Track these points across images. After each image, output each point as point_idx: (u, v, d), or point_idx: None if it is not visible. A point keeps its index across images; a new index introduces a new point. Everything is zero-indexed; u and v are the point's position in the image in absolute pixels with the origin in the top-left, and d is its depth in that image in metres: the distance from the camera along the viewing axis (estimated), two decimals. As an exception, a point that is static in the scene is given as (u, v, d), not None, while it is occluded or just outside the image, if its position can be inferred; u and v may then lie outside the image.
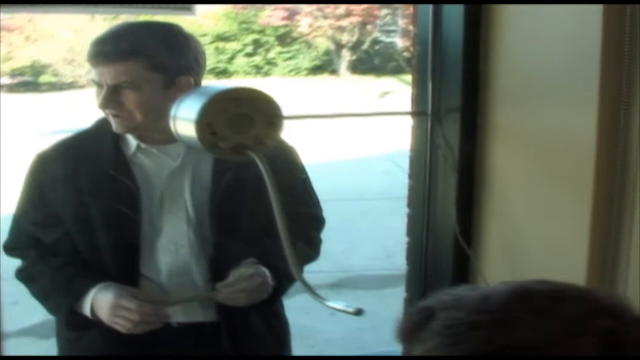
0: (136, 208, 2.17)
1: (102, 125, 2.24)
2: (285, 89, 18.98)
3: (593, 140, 1.73)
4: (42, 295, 2.30)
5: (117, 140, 2.21)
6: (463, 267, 2.06)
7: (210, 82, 2.11)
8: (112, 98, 2.07)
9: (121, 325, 2.12)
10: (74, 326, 2.24)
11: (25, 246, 2.30)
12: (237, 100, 1.72)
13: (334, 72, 23.93)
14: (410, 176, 2.15)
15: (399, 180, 6.67)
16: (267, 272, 2.20)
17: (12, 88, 21.91)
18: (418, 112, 2.02)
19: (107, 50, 2.05)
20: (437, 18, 2.05)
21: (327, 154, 12.18)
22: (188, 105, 1.75)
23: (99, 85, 2.09)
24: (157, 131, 2.11)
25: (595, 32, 1.68)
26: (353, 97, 19.28)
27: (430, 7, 2.04)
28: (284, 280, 2.26)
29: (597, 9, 1.67)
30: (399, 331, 1.00)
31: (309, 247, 2.42)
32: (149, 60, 2.05)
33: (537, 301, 0.93)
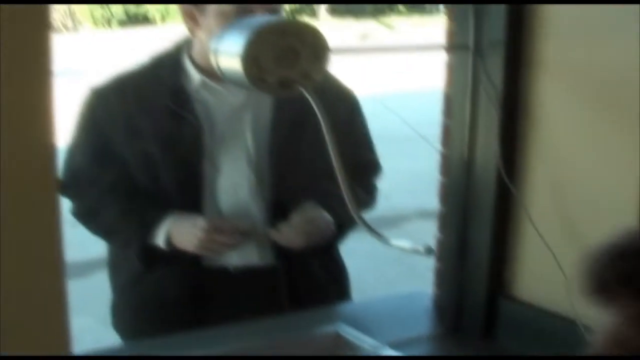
0: (198, 146, 2.11)
1: (161, 61, 2.17)
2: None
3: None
4: (108, 229, 2.23)
5: (180, 76, 2.14)
6: (506, 207, 2.01)
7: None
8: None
9: (213, 249, 2.08)
10: (146, 259, 2.19)
11: (84, 184, 2.21)
12: (282, 33, 1.65)
13: (313, 14, 23.70)
14: (446, 114, 2.08)
15: (389, 122, 6.59)
16: (329, 216, 2.15)
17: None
18: (459, 46, 1.95)
19: None
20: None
21: (365, 90, 12.09)
22: (231, 38, 1.68)
23: None
24: None
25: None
26: (333, 39, 19.10)
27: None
28: (344, 224, 2.22)
29: None
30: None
31: (366, 193, 2.38)
32: None
33: None
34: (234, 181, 2.15)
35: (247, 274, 2.22)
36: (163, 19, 22.37)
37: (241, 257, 2.20)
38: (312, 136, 2.00)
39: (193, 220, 2.10)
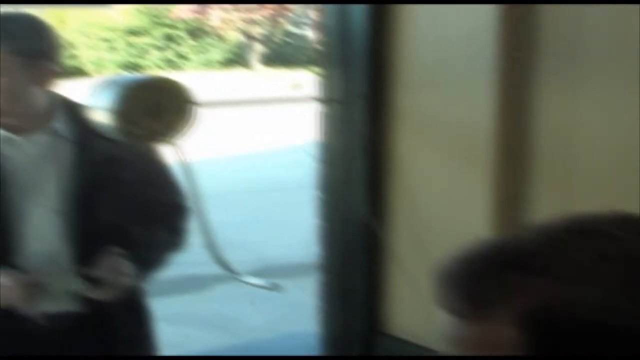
0: (3, 198, 2.18)
1: None
2: (198, 82, 18.89)
3: (492, 125, 1.85)
4: None
5: None
6: (374, 248, 2.14)
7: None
8: None
9: (14, 301, 2.14)
10: None
11: None
12: (152, 89, 1.77)
13: (246, 65, 23.90)
14: (320, 161, 2.22)
15: (314, 171, 6.75)
16: (128, 265, 2.22)
17: None
18: (327, 99, 2.09)
19: None
20: (345, 12, 2.12)
21: (242, 146, 12.20)
22: (103, 95, 1.80)
23: None
24: (20, 118, 2.12)
25: (491, 25, 1.79)
26: (266, 89, 19.32)
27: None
28: (147, 268, 2.30)
29: (493, 8, 1.78)
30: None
31: (174, 235, 2.45)
32: (9, 45, 2.06)
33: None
34: (40, 229, 2.22)
35: (57, 319, 2.29)
36: (98, 70, 22.53)
37: (52, 304, 2.27)
38: (116, 183, 2.10)
39: None
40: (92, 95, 1.84)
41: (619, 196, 1.72)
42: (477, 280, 1.00)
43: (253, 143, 12.27)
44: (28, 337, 2.25)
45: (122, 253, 2.20)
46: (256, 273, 6.67)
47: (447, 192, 2.00)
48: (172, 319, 3.61)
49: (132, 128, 1.75)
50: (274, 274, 6.82)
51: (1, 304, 2.15)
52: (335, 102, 2.06)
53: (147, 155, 2.25)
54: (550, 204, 1.84)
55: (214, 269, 2.23)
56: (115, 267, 2.18)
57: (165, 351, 2.56)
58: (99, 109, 1.80)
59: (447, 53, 1.96)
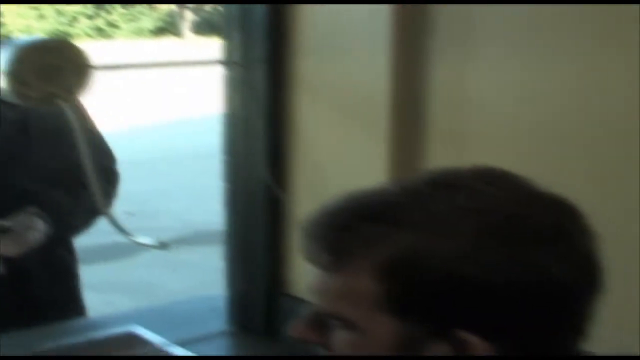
0: None
1: None
2: (128, 51, 18.69)
3: (386, 91, 1.90)
4: None
5: None
6: (275, 211, 2.18)
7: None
8: None
9: None
10: None
11: None
12: (46, 51, 1.78)
13: (177, 33, 23.71)
14: (224, 125, 2.25)
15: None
16: (40, 221, 2.25)
17: None
18: (229, 62, 2.12)
19: None
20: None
21: (163, 114, 12.15)
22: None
23: None
24: None
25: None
26: (196, 57, 19.19)
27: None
28: (61, 229, 2.32)
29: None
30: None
31: (100, 199, 2.49)
32: None
33: (492, 178, 1.01)
34: None
35: None
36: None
37: None
38: (38, 143, 2.12)
39: None
40: (-15, 57, 1.84)
41: (509, 156, 1.79)
42: (338, 232, 1.04)
43: (167, 110, 12.22)
44: None
45: (37, 212, 2.22)
46: (181, 240, 6.72)
47: (345, 156, 2.05)
48: (97, 286, 3.65)
49: (25, 90, 1.76)
50: (199, 240, 6.86)
51: None
52: (236, 65, 2.08)
53: (76, 120, 2.26)
54: (445, 162, 1.90)
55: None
56: (27, 222, 2.20)
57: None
58: (-5, 71, 1.80)
59: (345, 19, 1.99)
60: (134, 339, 2.25)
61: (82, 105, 2.37)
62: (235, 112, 2.18)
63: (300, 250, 1.09)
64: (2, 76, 1.77)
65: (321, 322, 1.06)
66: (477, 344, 0.93)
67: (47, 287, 2.42)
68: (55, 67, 1.78)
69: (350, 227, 1.03)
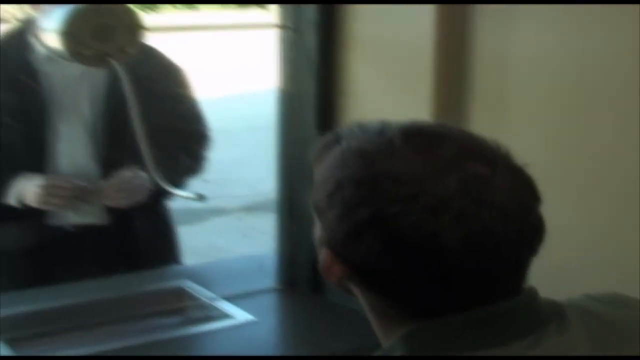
0: (41, 114, 2.31)
1: (8, 38, 2.36)
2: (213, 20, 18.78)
3: (430, 47, 1.92)
4: None
5: (26, 51, 2.33)
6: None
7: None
8: None
9: (54, 203, 2.28)
10: None
11: None
12: (100, 11, 1.85)
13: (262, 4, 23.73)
14: (279, 87, 2.29)
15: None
16: (145, 176, 2.35)
17: None
18: (281, 26, 2.16)
19: None
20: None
21: (239, 86, 12.25)
22: (53, 17, 1.88)
23: None
24: None
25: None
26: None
27: None
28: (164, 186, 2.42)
29: None
30: (312, 152, 1.08)
31: (192, 161, 2.59)
32: None
33: (420, 139, 0.99)
34: (72, 145, 2.35)
35: (84, 232, 2.43)
36: None
37: (79, 216, 2.41)
38: (142, 108, 2.20)
39: (35, 179, 2.31)
40: (43, 17, 1.92)
41: (549, 116, 1.81)
42: None
43: (254, 79, 12.28)
44: (56, 244, 2.39)
45: (143, 169, 2.34)
46: (253, 207, 6.79)
47: (391, 111, 2.07)
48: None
49: (81, 49, 1.83)
50: (270, 208, 6.92)
51: (41, 207, 2.29)
52: (289, 29, 2.13)
53: (171, 85, 2.37)
54: (486, 122, 1.92)
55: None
56: (134, 178, 2.33)
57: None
58: (50, 31, 1.88)
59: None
60: (183, 293, 2.34)
61: (179, 69, 2.46)
62: (288, 75, 2.23)
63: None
64: (56, 36, 1.84)
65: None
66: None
67: (149, 237, 2.55)
68: (109, 27, 1.84)
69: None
